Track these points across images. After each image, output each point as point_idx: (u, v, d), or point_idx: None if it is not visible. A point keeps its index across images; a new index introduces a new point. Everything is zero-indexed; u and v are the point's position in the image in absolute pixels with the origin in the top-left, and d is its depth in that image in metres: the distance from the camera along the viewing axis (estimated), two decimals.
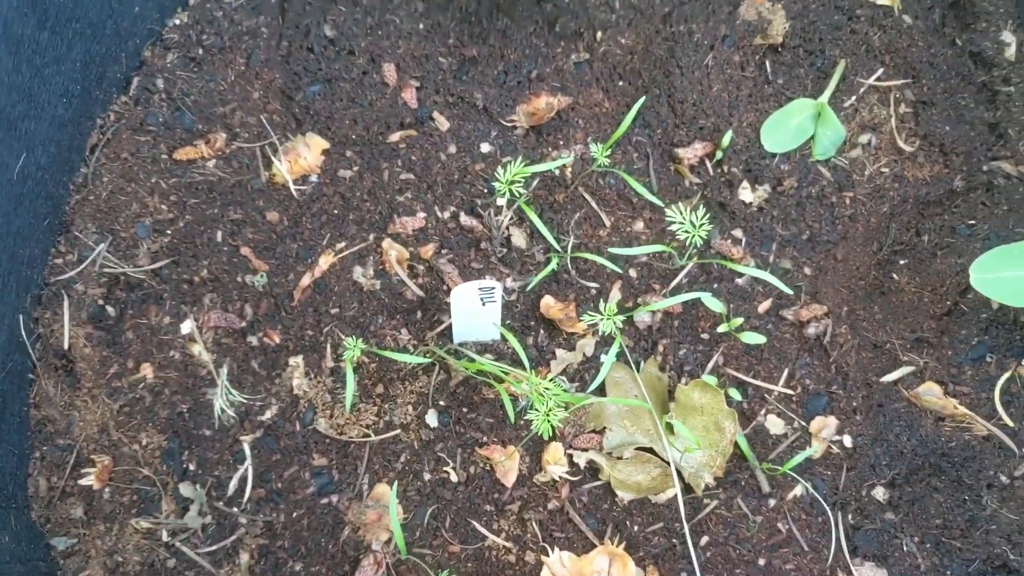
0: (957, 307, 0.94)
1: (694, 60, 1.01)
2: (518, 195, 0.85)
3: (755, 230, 0.99)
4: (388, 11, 1.00)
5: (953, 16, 1.06)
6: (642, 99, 0.94)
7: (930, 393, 0.94)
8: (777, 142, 0.97)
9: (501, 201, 0.93)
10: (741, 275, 0.97)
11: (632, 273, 0.96)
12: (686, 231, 0.82)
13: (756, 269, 0.89)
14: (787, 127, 0.97)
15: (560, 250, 0.90)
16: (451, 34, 1.01)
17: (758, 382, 0.93)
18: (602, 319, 0.82)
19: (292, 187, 0.94)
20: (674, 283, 0.96)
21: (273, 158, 0.94)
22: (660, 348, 0.95)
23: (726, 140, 0.98)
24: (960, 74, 1.03)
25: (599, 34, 1.01)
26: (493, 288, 0.76)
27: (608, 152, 0.92)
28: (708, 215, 0.85)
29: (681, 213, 0.82)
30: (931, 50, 1.03)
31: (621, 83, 1.01)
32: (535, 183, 0.96)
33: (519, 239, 0.96)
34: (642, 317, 0.95)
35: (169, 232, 0.91)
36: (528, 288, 0.91)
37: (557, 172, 0.98)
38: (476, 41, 1.01)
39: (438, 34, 1.00)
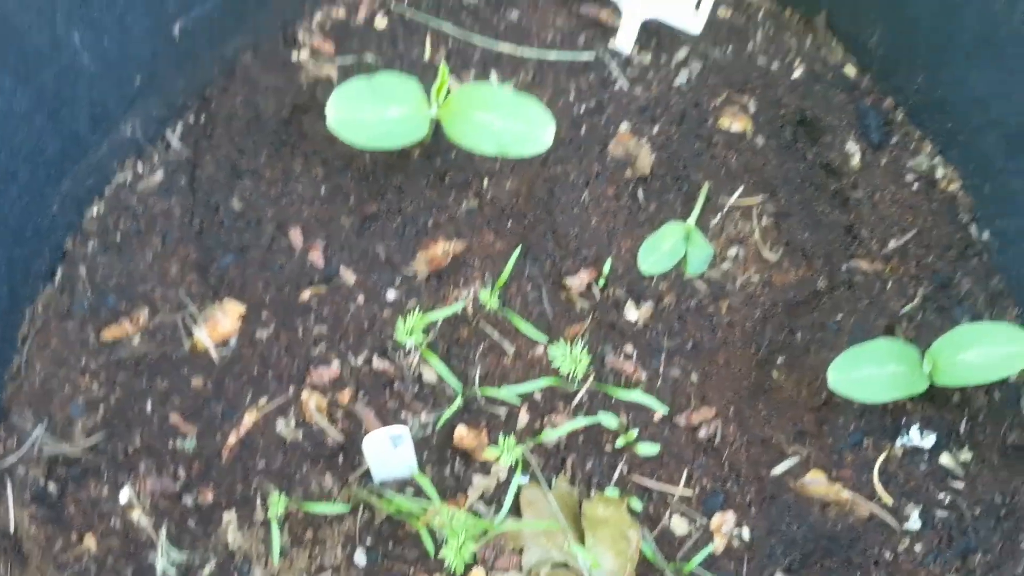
0: (832, 398, 1.20)
1: (572, 197, 1.29)
2: (418, 343, 1.10)
3: (643, 345, 1.25)
4: (291, 180, 1.27)
5: (802, 132, 1.36)
6: (518, 247, 1.20)
7: (815, 481, 1.20)
8: (653, 264, 1.25)
9: (409, 343, 1.18)
10: (634, 388, 1.22)
11: (537, 396, 1.21)
12: (569, 365, 1.07)
13: (635, 392, 1.14)
14: (661, 250, 1.25)
15: (461, 391, 1.15)
16: (351, 194, 1.28)
17: (660, 486, 1.18)
18: (505, 452, 1.06)
19: (213, 352, 1.19)
20: (575, 402, 1.21)
21: (193, 327, 1.19)
22: (569, 464, 1.19)
23: (607, 268, 1.25)
24: (814, 184, 1.33)
25: (485, 181, 1.29)
26: (400, 434, 1.00)
27: (499, 293, 1.18)
28: (586, 349, 1.10)
29: (562, 351, 1.07)
30: (784, 166, 1.32)
31: (510, 223, 1.29)
32: (440, 324, 1.21)
33: (429, 375, 1.21)
34: (549, 437, 1.20)
35: (101, 408, 1.15)
36: (439, 425, 1.15)
37: (460, 310, 1.23)
38: (375, 198, 1.28)
39: (339, 196, 1.27)
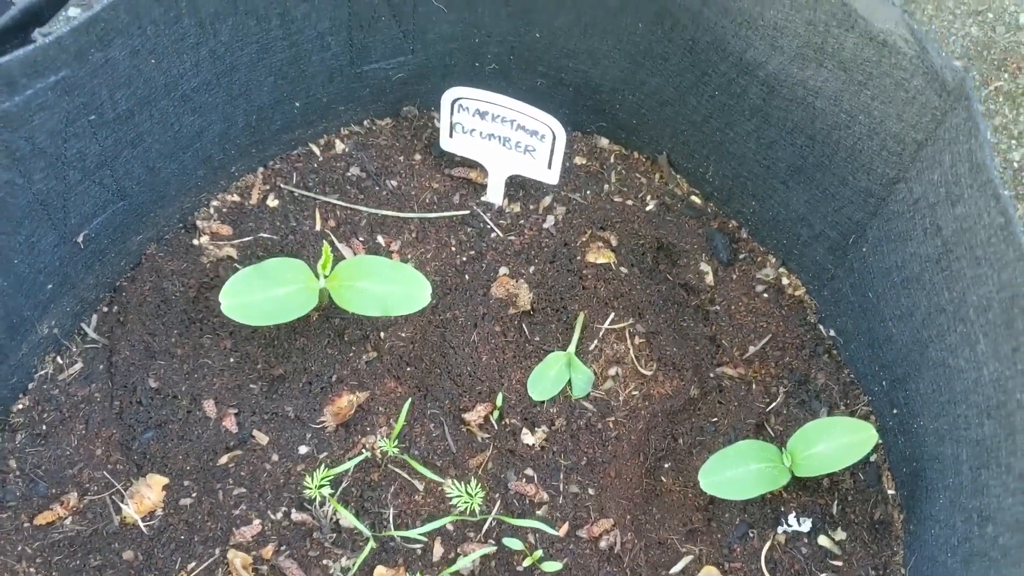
0: (716, 496, 1.35)
1: (463, 339, 1.45)
2: (328, 495, 1.23)
3: (542, 466, 1.40)
4: (201, 355, 1.42)
5: (661, 257, 1.56)
6: (409, 400, 1.35)
7: None
8: (541, 392, 1.41)
9: (325, 492, 1.31)
10: (537, 509, 1.36)
11: (450, 527, 1.34)
12: (464, 501, 1.21)
13: (528, 520, 1.29)
14: (547, 378, 1.41)
15: (372, 535, 1.28)
16: (259, 360, 1.43)
17: None
18: None
19: (142, 525, 1.31)
20: (484, 528, 1.34)
21: (121, 503, 1.31)
22: None
23: (499, 400, 1.41)
24: (676, 303, 1.51)
25: (382, 334, 1.45)
26: None
27: (397, 439, 1.33)
28: (480, 484, 1.24)
29: (457, 490, 1.22)
30: (648, 289, 1.51)
31: (409, 368, 1.44)
32: (352, 471, 1.35)
33: (347, 521, 1.34)
34: (464, 564, 1.32)
35: None
36: (354, 569, 1.28)
37: (369, 455, 1.37)
38: (281, 360, 1.43)
39: (247, 363, 1.42)
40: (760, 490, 1.34)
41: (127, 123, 1.21)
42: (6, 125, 1.05)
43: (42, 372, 1.43)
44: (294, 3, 1.30)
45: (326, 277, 1.33)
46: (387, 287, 1.30)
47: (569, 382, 1.48)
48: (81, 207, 1.26)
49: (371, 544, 1.34)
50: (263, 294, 1.25)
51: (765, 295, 1.58)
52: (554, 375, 1.48)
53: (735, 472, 1.34)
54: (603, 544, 1.40)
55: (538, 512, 1.42)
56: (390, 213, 1.58)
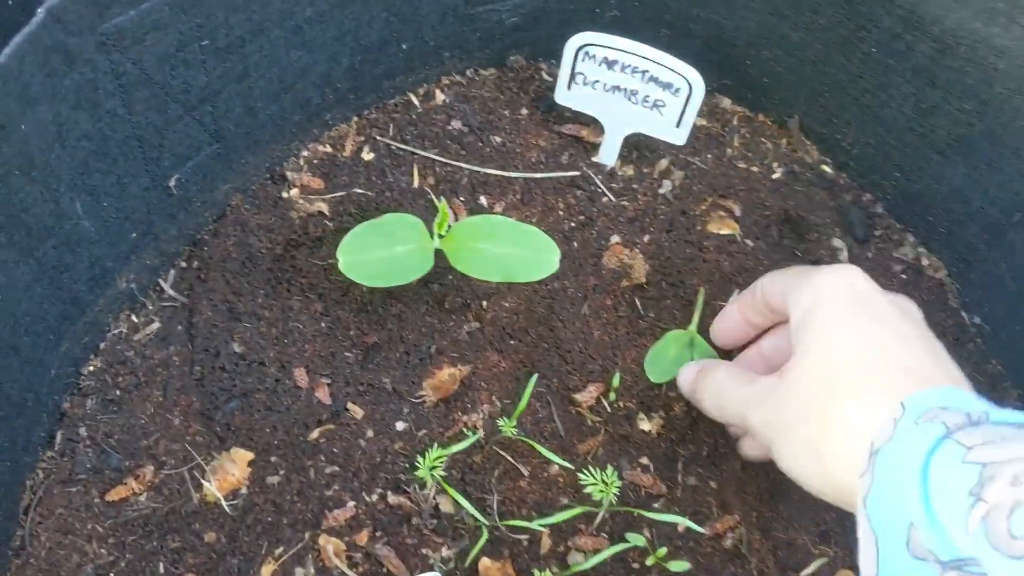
0: None
1: (572, 312, 1.32)
2: (439, 478, 1.11)
3: (659, 455, 1.28)
4: (290, 318, 1.29)
5: (789, 231, 1.42)
6: (534, 377, 1.23)
7: None
8: (660, 373, 1.29)
9: (437, 474, 1.19)
10: (654, 502, 1.24)
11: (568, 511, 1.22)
12: (600, 490, 1.09)
13: (663, 514, 1.16)
14: (666, 359, 1.29)
15: (484, 521, 1.16)
16: (352, 326, 1.30)
17: None
18: None
19: (224, 504, 1.18)
20: (597, 521, 1.22)
21: (202, 479, 1.19)
22: None
23: (615, 380, 1.28)
24: None
25: (484, 303, 1.32)
26: None
27: (502, 416, 1.21)
28: (616, 473, 1.12)
29: (592, 477, 1.09)
30: (776, 265, 1.38)
31: (513, 342, 1.32)
32: (453, 452, 1.22)
33: (447, 506, 1.22)
34: (576, 559, 1.20)
35: (112, 574, 1.12)
36: (467, 561, 1.16)
37: (476, 436, 1.24)
38: (376, 328, 1.30)
39: (339, 329, 1.29)
40: None
41: (237, 53, 1.07)
42: (117, 44, 0.91)
43: (116, 331, 1.30)
44: None
45: (442, 237, 1.20)
46: (511, 249, 1.16)
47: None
48: (176, 147, 1.12)
49: (484, 535, 1.22)
50: (382, 252, 1.12)
51: (903, 276, 1.45)
52: (673, 356, 1.35)
53: None
54: (727, 543, 1.28)
55: (655, 505, 1.30)
56: (493, 172, 1.45)
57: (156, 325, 1.31)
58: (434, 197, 1.41)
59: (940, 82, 1.23)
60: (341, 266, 1.11)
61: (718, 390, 1.13)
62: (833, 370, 0.89)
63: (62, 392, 1.24)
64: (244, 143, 1.23)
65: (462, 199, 1.43)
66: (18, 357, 1.06)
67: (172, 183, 1.16)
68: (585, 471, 1.16)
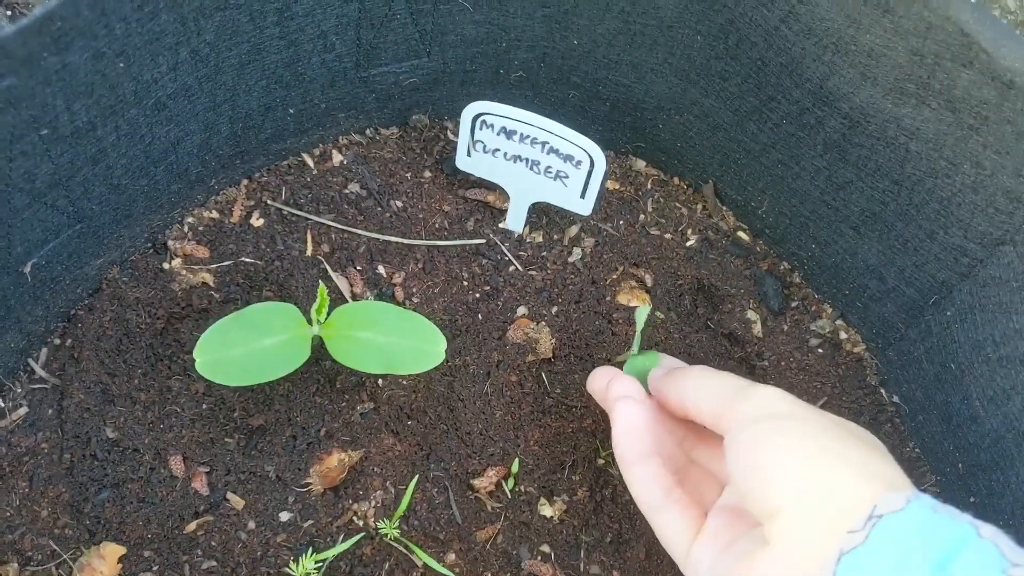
0: None
1: (473, 390, 1.26)
2: None
3: (561, 543, 1.21)
4: (168, 400, 1.21)
5: (702, 301, 1.36)
6: (415, 478, 1.16)
7: None
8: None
9: (311, 569, 1.12)
10: None
11: None
12: None
13: None
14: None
15: None
16: (236, 408, 1.23)
17: None
18: None
19: None
20: None
21: None
22: None
23: (515, 465, 1.21)
24: (718, 354, 1.33)
25: (379, 381, 1.25)
26: None
27: (403, 513, 1.14)
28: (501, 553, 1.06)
29: None
30: (688, 337, 1.32)
31: (410, 423, 1.25)
32: (345, 547, 1.15)
33: None
34: None
35: None
36: None
37: (364, 530, 1.18)
38: (261, 409, 1.23)
39: (222, 411, 1.22)
40: None
41: (87, 137, 1.00)
42: None
43: None
44: None
45: (321, 324, 1.13)
46: (394, 339, 1.10)
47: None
48: (29, 233, 1.05)
49: None
50: (246, 347, 1.05)
51: (820, 350, 1.39)
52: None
53: None
54: None
55: None
56: (394, 239, 1.38)
57: (24, 410, 1.24)
58: (327, 266, 1.34)
59: (851, 158, 1.17)
60: (198, 367, 1.03)
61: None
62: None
63: None
64: (113, 218, 1.16)
65: (359, 268, 1.36)
66: None
67: (28, 268, 1.08)
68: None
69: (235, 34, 1.06)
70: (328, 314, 1.14)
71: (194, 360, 1.12)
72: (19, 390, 1.26)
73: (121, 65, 0.97)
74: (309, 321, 1.15)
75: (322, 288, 1.12)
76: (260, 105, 1.22)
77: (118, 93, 0.99)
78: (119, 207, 1.17)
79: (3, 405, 1.25)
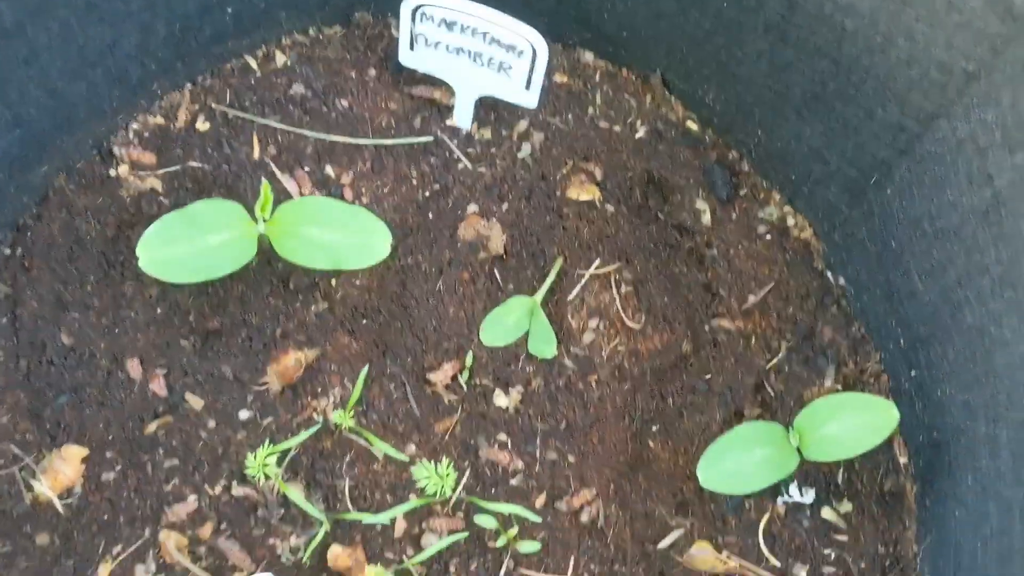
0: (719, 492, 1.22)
1: (427, 288, 1.28)
2: (273, 475, 1.07)
3: (517, 431, 1.25)
4: (122, 306, 1.23)
5: (652, 193, 1.38)
6: (366, 367, 1.18)
7: (702, 552, 1.23)
8: (493, 338, 1.25)
9: (270, 471, 1.15)
10: (511, 478, 1.21)
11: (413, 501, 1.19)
12: (434, 484, 1.06)
13: (504, 505, 1.14)
14: (504, 324, 1.26)
15: (325, 517, 1.12)
16: (191, 311, 1.25)
17: None
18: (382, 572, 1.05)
19: (57, 503, 1.14)
20: (453, 501, 1.19)
21: (32, 480, 1.13)
22: (453, 569, 1.17)
23: (469, 358, 1.24)
24: (668, 245, 1.35)
25: (333, 281, 1.27)
26: None
27: (353, 409, 1.16)
28: (452, 464, 1.09)
29: (427, 471, 1.06)
30: (637, 230, 1.34)
31: (364, 321, 1.27)
32: (301, 439, 1.18)
33: (295, 495, 1.18)
34: (429, 540, 1.18)
35: None
36: (308, 551, 1.12)
37: (321, 423, 1.20)
38: (216, 312, 1.25)
39: (177, 315, 1.24)
40: (767, 481, 1.21)
41: (17, 38, 0.99)
42: None
43: None
44: None
45: (266, 221, 1.13)
46: (339, 235, 1.11)
47: (528, 334, 1.31)
48: None
49: (325, 526, 1.18)
50: (190, 245, 1.06)
51: (768, 237, 1.41)
52: (512, 322, 1.31)
53: (738, 462, 1.21)
54: (584, 517, 1.27)
55: (512, 482, 1.28)
56: (340, 139, 1.38)
57: None
58: (274, 168, 1.34)
59: (791, 39, 1.17)
60: (141, 264, 1.04)
61: None
62: None
63: None
64: (53, 124, 1.15)
65: (307, 169, 1.36)
66: None
67: None
68: (420, 463, 1.12)
69: None
70: (273, 212, 1.14)
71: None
72: None
73: None
74: (255, 219, 1.15)
75: (265, 184, 1.12)
76: (197, 5, 1.20)
77: None
78: (59, 112, 1.16)
79: None
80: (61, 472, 1.21)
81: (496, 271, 1.37)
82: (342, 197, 1.35)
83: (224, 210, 1.12)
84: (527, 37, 1.22)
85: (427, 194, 1.38)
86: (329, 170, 1.37)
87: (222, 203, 1.13)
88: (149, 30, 1.21)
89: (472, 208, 1.38)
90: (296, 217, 1.14)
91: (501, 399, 1.32)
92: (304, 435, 1.22)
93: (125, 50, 1.20)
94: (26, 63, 1.05)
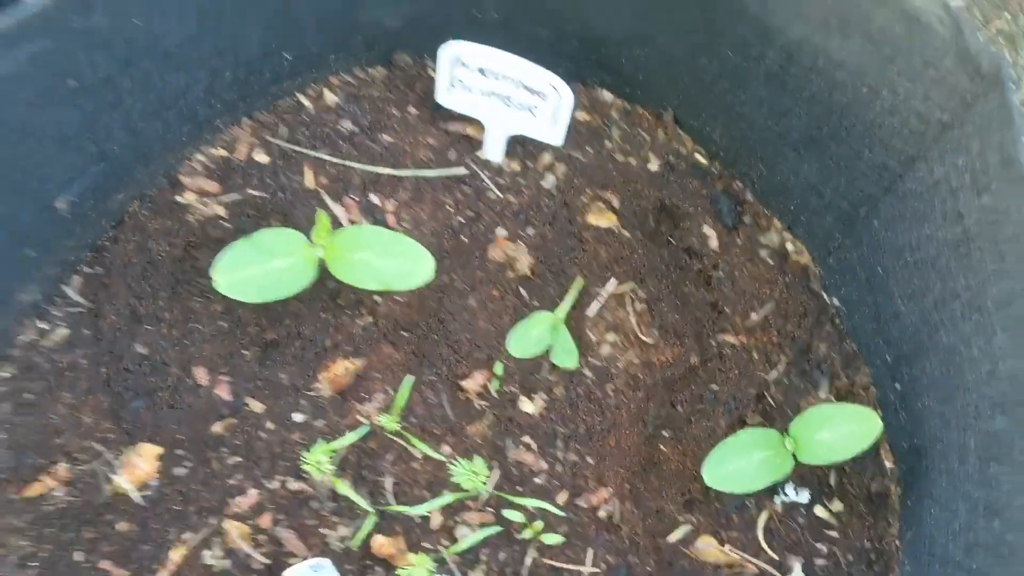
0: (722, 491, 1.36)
1: (461, 304, 1.43)
2: (326, 471, 1.22)
3: (541, 434, 1.39)
4: (191, 319, 1.38)
5: (664, 220, 1.52)
6: (412, 379, 1.33)
7: (706, 546, 1.37)
8: (521, 349, 1.40)
9: (324, 467, 1.30)
10: (536, 477, 1.35)
11: (449, 496, 1.34)
12: (469, 480, 1.20)
13: (530, 500, 1.28)
14: (530, 337, 1.40)
15: (368, 507, 1.27)
16: (251, 324, 1.40)
17: (569, 567, 1.32)
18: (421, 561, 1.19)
19: (136, 495, 1.29)
20: (484, 499, 1.33)
21: (112, 474, 1.28)
22: (483, 557, 1.32)
23: (499, 367, 1.38)
24: (679, 267, 1.49)
25: (377, 299, 1.41)
26: (322, 564, 1.12)
27: (401, 410, 1.31)
28: (484, 459, 1.24)
29: (462, 469, 1.21)
30: (651, 253, 1.48)
31: (405, 334, 1.42)
32: (350, 439, 1.33)
33: (344, 489, 1.32)
34: (463, 532, 1.32)
35: (34, 564, 1.24)
36: (356, 539, 1.27)
37: (368, 426, 1.35)
38: (273, 325, 1.40)
39: (238, 328, 1.39)
40: (765, 481, 1.35)
41: (107, 87, 1.14)
42: None
43: (25, 339, 1.38)
44: None
45: (323, 247, 1.28)
46: (387, 260, 1.26)
47: (551, 348, 1.46)
48: (59, 174, 1.20)
49: (371, 517, 1.33)
50: (259, 269, 1.21)
51: (769, 261, 1.56)
52: (536, 336, 1.45)
53: (739, 464, 1.35)
54: (602, 513, 1.41)
55: (536, 480, 1.42)
56: (384, 170, 1.53)
57: (63, 331, 1.40)
58: (325, 197, 1.49)
59: (789, 88, 1.31)
60: (218, 286, 1.20)
61: None
62: None
63: None
64: (132, 158, 1.31)
65: (355, 198, 1.51)
66: None
67: (61, 203, 1.23)
68: (456, 461, 1.27)
69: None
70: (328, 239, 1.30)
71: (212, 282, 1.28)
72: (57, 314, 1.42)
73: (135, 22, 1.11)
74: (312, 244, 1.31)
75: (322, 215, 1.27)
76: (259, 51, 1.35)
77: (133, 47, 1.13)
78: (137, 148, 1.32)
79: (46, 327, 1.41)
80: (138, 467, 1.37)
81: (522, 289, 1.52)
82: (385, 223, 1.50)
83: (287, 238, 1.27)
84: (553, 84, 1.37)
85: (461, 220, 1.53)
86: (374, 198, 1.52)
87: (284, 231, 1.28)
88: (217, 74, 1.37)
89: (501, 232, 1.53)
90: (349, 243, 1.29)
91: (527, 405, 1.46)
92: (353, 436, 1.37)
93: (196, 93, 1.35)
94: (112, 107, 1.21)
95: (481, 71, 1.39)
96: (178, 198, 1.50)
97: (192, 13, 1.20)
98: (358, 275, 1.27)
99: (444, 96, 1.49)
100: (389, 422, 1.33)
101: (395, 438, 1.42)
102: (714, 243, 1.56)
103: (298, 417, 1.42)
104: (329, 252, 1.29)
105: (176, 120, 1.37)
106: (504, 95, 1.42)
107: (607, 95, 1.64)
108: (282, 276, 1.24)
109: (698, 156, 1.62)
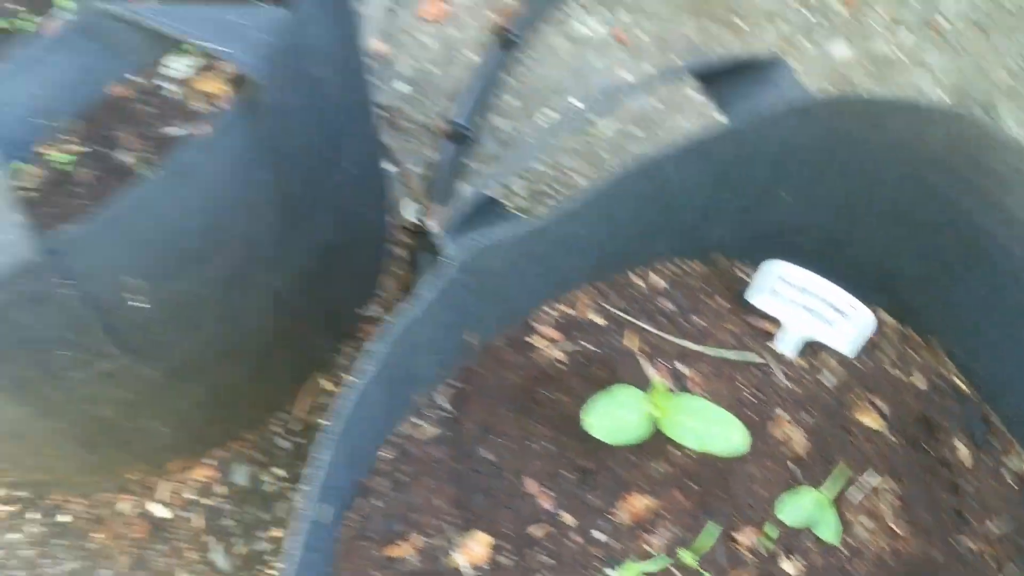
0: None
1: (742, 468, 1.72)
2: None
3: None
4: (527, 439, 1.73)
5: (923, 429, 1.79)
6: (718, 528, 1.63)
7: None
8: (790, 517, 1.66)
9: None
10: None
11: None
12: None
13: None
14: (799, 508, 1.67)
15: None
16: (572, 453, 1.73)
17: None
18: None
19: (469, 572, 1.61)
20: None
21: (451, 551, 1.62)
22: None
23: (768, 527, 1.66)
24: (932, 473, 1.76)
25: (677, 452, 1.72)
26: None
27: (679, 546, 1.60)
28: None
29: None
30: (908, 457, 1.75)
31: (693, 485, 1.72)
32: (655, 566, 1.62)
33: None
34: None
35: None
36: None
37: (663, 561, 1.65)
38: (590, 456, 1.74)
39: (563, 453, 1.72)
40: None
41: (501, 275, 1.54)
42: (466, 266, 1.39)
43: (405, 432, 1.77)
44: (688, 175, 1.61)
45: (658, 406, 1.63)
46: (712, 428, 1.58)
47: (819, 522, 1.73)
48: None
49: None
50: (618, 419, 1.56)
51: (1010, 482, 1.80)
52: (805, 508, 1.72)
53: None
54: None
55: None
56: (692, 346, 1.87)
57: (433, 429, 1.78)
58: (641, 360, 1.85)
59: None
60: (590, 428, 1.55)
61: None
62: None
63: (364, 473, 1.71)
64: (500, 313, 1.70)
65: (665, 363, 1.86)
66: (347, 452, 1.53)
67: (471, 338, 1.62)
68: None
69: (640, 202, 1.60)
70: (664, 401, 1.64)
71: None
72: (430, 415, 1.80)
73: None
74: (650, 403, 1.65)
75: (660, 381, 1.62)
76: (622, 248, 1.75)
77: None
78: (509, 303, 1.71)
79: (421, 423, 1.79)
80: (473, 550, 1.70)
81: (793, 465, 1.81)
82: (687, 390, 1.84)
83: (634, 395, 1.62)
84: (857, 308, 1.70)
85: (750, 397, 1.85)
86: (681, 367, 1.87)
87: (632, 390, 1.63)
88: (585, 255, 1.76)
89: (782, 414, 1.84)
90: (677, 408, 1.62)
91: (787, 565, 1.73)
92: (657, 562, 1.68)
93: (565, 273, 1.75)
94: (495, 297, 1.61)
95: (791, 284, 1.74)
96: (528, 339, 1.88)
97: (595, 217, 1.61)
98: (684, 434, 1.60)
99: (753, 296, 1.84)
100: (689, 558, 1.63)
101: (677, 571, 1.70)
102: (964, 457, 1.82)
103: (599, 536, 1.73)
104: (663, 411, 1.63)
105: (541, 286, 1.77)
106: (809, 307, 1.76)
107: (885, 315, 1.96)
108: (632, 426, 1.58)
109: (958, 382, 1.90)
